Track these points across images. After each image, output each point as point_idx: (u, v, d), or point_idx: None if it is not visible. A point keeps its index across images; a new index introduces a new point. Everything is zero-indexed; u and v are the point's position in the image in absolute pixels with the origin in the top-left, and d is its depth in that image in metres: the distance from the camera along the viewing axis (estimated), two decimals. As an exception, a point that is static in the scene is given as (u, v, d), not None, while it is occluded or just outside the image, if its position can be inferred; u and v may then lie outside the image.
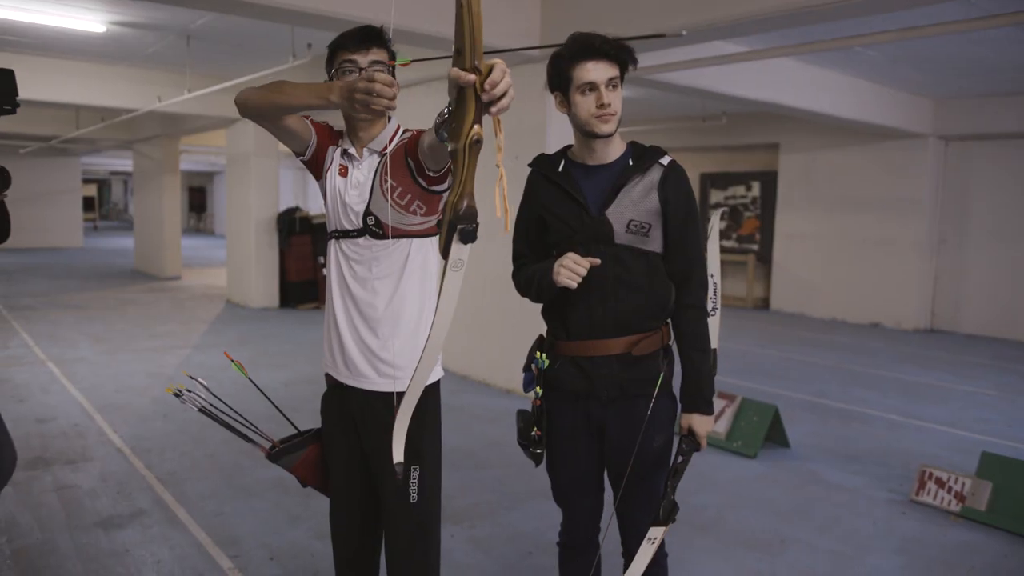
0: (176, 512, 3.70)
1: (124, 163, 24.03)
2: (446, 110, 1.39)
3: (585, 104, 2.01)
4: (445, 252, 1.32)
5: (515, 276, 2.22)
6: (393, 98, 1.72)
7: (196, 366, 6.83)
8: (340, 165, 2.00)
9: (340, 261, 2.00)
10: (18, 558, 3.18)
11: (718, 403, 5.03)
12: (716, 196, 12.46)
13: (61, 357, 7.06)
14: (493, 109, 1.27)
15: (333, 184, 2.00)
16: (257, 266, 10.63)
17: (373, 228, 1.95)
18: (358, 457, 2.09)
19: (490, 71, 1.23)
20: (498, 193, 1.31)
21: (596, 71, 1.99)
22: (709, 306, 2.23)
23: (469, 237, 1.31)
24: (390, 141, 1.98)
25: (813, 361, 7.87)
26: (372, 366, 2.00)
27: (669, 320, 2.15)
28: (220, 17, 6.55)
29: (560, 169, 2.13)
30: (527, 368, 2.21)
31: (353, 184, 1.98)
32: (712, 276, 2.33)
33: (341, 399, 2.08)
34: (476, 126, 1.26)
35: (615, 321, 2.06)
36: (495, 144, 1.27)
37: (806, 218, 11.16)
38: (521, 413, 2.20)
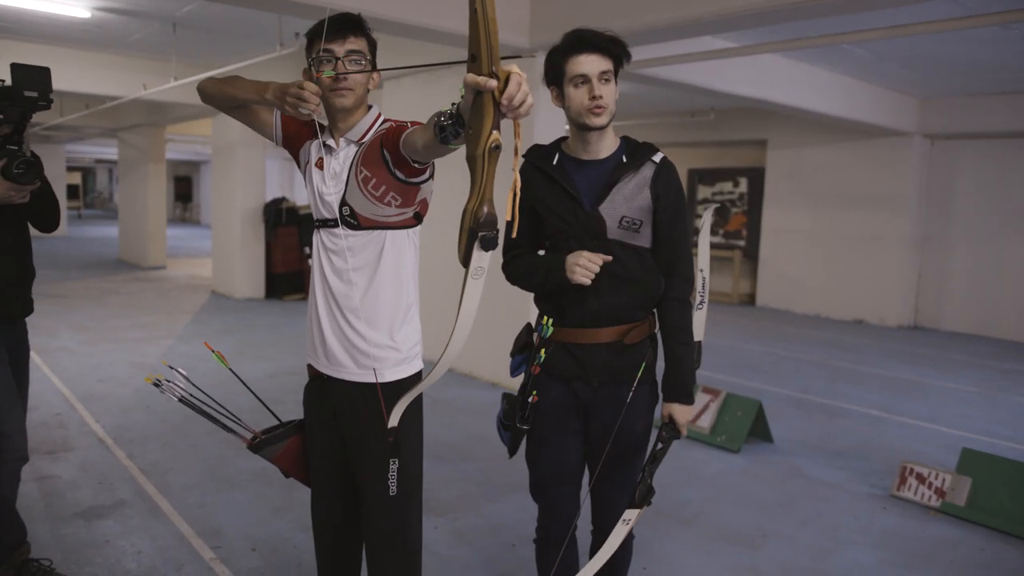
0: (158, 503, 3.67)
1: (109, 151, 23.80)
2: (449, 111, 1.41)
3: (578, 96, 2.05)
4: (466, 260, 1.30)
5: (506, 266, 2.26)
6: (316, 107, 1.87)
7: (180, 356, 6.79)
8: (318, 158, 2.01)
9: (320, 252, 2.01)
10: (-3, 548, 3.15)
11: (703, 398, 5.05)
12: (704, 192, 12.49)
13: (43, 346, 6.99)
14: (511, 115, 1.26)
15: (311, 177, 2.02)
16: (243, 256, 10.57)
17: (348, 218, 1.95)
18: (339, 448, 2.08)
19: (507, 81, 1.22)
20: (511, 199, 1.28)
21: (588, 64, 2.03)
22: (696, 300, 2.29)
23: (491, 244, 1.29)
24: (368, 130, 1.98)
25: (797, 357, 7.92)
26: (351, 357, 1.99)
27: (655, 310, 2.22)
28: (206, 5, 6.49)
29: (555, 162, 2.17)
30: (514, 353, 2.26)
31: (330, 175, 1.98)
32: (701, 271, 2.37)
33: (322, 390, 2.08)
34: (495, 132, 1.24)
35: (608, 312, 2.13)
36: (513, 147, 1.26)
37: (792, 214, 11.22)
38: (507, 396, 2.22)
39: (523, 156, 2.21)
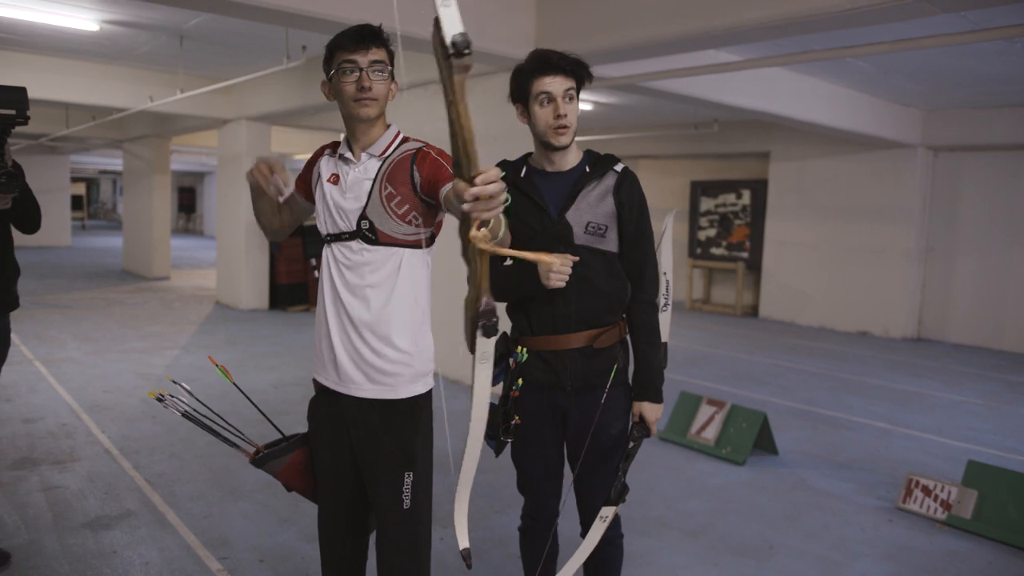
0: (165, 513, 3.68)
1: (114, 162, 23.90)
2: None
3: (543, 115, 2.16)
4: (471, 347, 1.44)
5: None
6: (271, 178, 1.92)
7: (185, 367, 6.80)
8: (332, 174, 2.04)
9: (332, 267, 2.02)
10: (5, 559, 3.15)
11: (708, 410, 5.05)
12: (706, 204, 12.48)
13: (49, 357, 7.01)
14: (478, 209, 1.30)
15: (323, 192, 2.04)
16: (247, 268, 10.59)
17: (366, 232, 1.96)
18: (347, 461, 2.09)
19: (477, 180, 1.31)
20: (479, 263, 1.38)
21: (553, 84, 2.14)
22: (661, 302, 2.36)
23: (491, 331, 1.42)
24: (389, 146, 2.02)
25: (802, 369, 7.91)
26: (364, 373, 2.00)
27: (625, 315, 2.30)
28: (214, 18, 6.53)
29: (522, 174, 2.28)
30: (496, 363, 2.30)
31: (348, 187, 2.00)
32: (665, 274, 2.46)
33: (330, 404, 2.08)
34: (482, 230, 1.32)
35: (577, 317, 2.21)
36: (481, 233, 1.32)
37: (796, 226, 11.23)
38: (491, 406, 2.21)
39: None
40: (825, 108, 8.22)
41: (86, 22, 6.87)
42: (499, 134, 6.23)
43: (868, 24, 4.39)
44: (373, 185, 1.97)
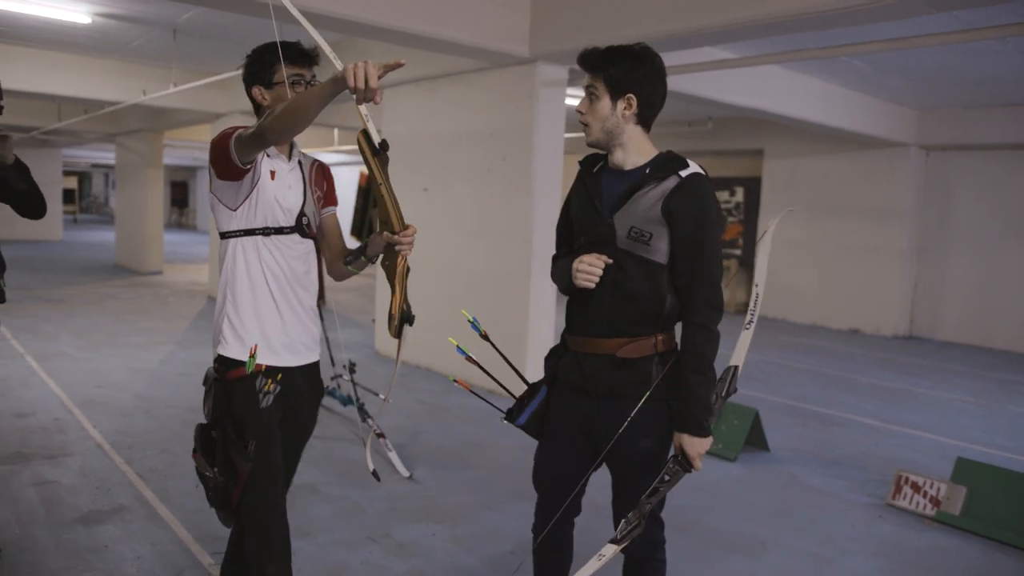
0: (157, 508, 3.68)
1: (106, 156, 23.80)
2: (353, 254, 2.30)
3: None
4: (398, 334, 2.17)
5: (551, 269, 2.33)
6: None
7: (179, 362, 6.80)
8: (270, 170, 2.19)
9: (270, 256, 2.19)
10: (-4, 553, 3.16)
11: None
12: (700, 200, 12.51)
13: (41, 351, 6.99)
14: (406, 250, 2.12)
15: (264, 187, 2.17)
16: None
17: (305, 227, 2.24)
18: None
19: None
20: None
21: (585, 80, 2.11)
22: (746, 319, 2.19)
23: (412, 321, 2.17)
24: (298, 151, 2.32)
25: (793, 366, 7.94)
26: (307, 347, 2.30)
27: (671, 329, 2.15)
28: (207, 11, 6.50)
29: (595, 170, 2.22)
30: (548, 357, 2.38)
31: (288, 185, 2.22)
32: (756, 285, 2.23)
33: (278, 382, 2.23)
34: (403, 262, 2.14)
35: (607, 323, 2.11)
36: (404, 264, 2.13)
37: (789, 224, 11.25)
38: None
39: (580, 163, 2.29)
40: (819, 106, 8.25)
41: (78, 15, 6.84)
42: (496, 130, 6.24)
43: (860, 23, 4.41)
44: (306, 186, 2.28)
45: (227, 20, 6.78)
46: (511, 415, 2.37)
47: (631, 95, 2.08)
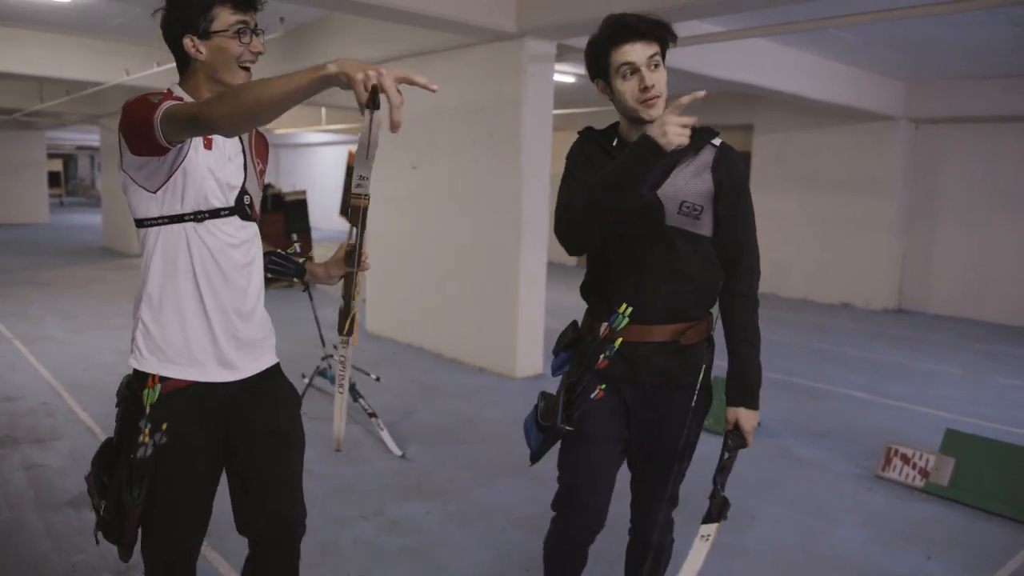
0: (148, 490, 3.67)
1: (91, 138, 23.55)
2: (279, 262, 2.17)
3: (628, 89, 1.92)
4: (349, 331, 1.89)
5: (565, 219, 2.00)
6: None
7: (167, 344, 6.76)
8: (204, 138, 1.76)
9: (202, 246, 1.78)
10: (-14, 537, 3.14)
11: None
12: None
13: (28, 335, 6.94)
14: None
15: (197, 158, 1.73)
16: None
17: (247, 208, 1.84)
18: (217, 458, 1.93)
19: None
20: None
21: (634, 52, 1.89)
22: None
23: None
24: None
25: (783, 340, 7.97)
26: (252, 356, 1.91)
27: (714, 305, 2.08)
28: (189, -12, 6.42)
29: (615, 143, 2.03)
30: (557, 350, 2.13)
31: (227, 156, 1.80)
32: None
33: (202, 400, 1.83)
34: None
35: (664, 307, 1.98)
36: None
37: (778, 198, 11.25)
38: (545, 395, 2.09)
39: (580, 133, 2.11)
40: (808, 80, 8.21)
41: (58, -7, 6.72)
42: (484, 106, 6.19)
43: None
44: (246, 157, 1.86)
45: (209, -3, 6.68)
46: (538, 448, 2.09)
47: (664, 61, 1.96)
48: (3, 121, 16.54)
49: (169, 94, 1.70)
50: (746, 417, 2.03)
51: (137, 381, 1.82)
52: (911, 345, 8.06)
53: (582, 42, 6.15)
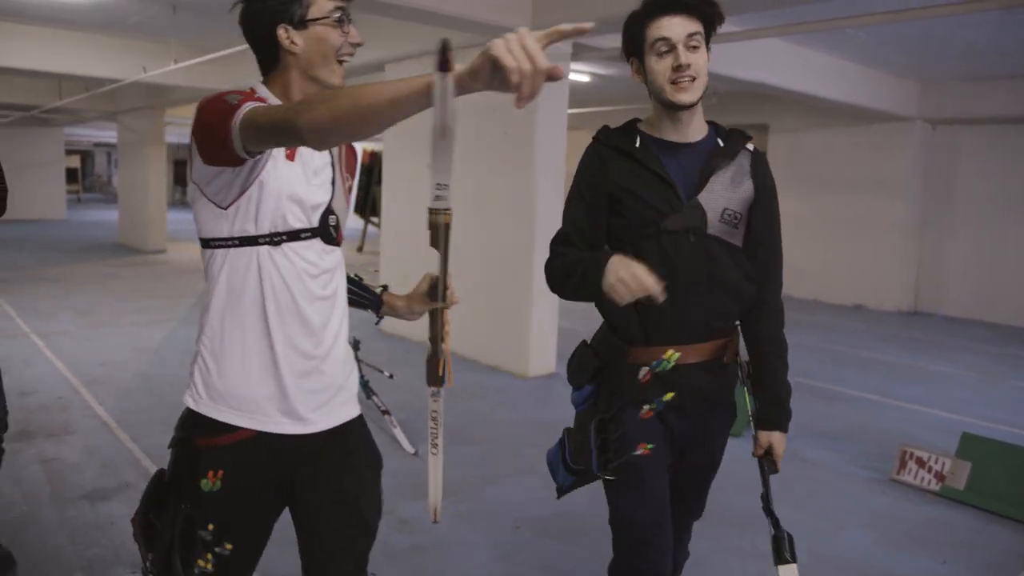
0: (162, 485, 3.70)
1: (108, 134, 23.73)
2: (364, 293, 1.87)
3: (661, 68, 1.73)
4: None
5: (550, 264, 1.88)
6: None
7: (182, 341, 6.80)
8: (287, 149, 1.52)
9: (275, 274, 1.52)
10: (3, 529, 3.18)
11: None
12: (704, 176, 12.46)
13: (44, 330, 7.01)
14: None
15: (277, 170, 1.49)
16: (243, 241, 10.54)
17: (332, 229, 1.58)
18: (278, 510, 1.73)
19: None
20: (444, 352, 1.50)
21: (672, 26, 1.70)
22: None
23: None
24: None
25: (796, 342, 7.85)
26: (325, 409, 1.63)
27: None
28: (206, -13, 6.46)
29: (637, 144, 1.83)
30: (579, 383, 1.93)
31: (312, 170, 1.56)
32: None
33: (265, 450, 1.58)
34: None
35: (706, 323, 1.83)
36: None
37: (792, 199, 11.17)
38: (570, 432, 1.93)
39: (595, 138, 1.91)
40: (822, 80, 8.17)
41: (76, -9, 6.78)
42: (498, 106, 6.18)
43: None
44: (334, 171, 1.62)
45: (226, -5, 6.72)
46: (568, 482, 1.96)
47: (708, 45, 1.78)
48: (22, 118, 16.70)
49: (252, 94, 1.47)
50: (779, 441, 1.94)
51: (192, 422, 1.58)
52: (924, 347, 8.01)
53: (596, 41, 6.19)
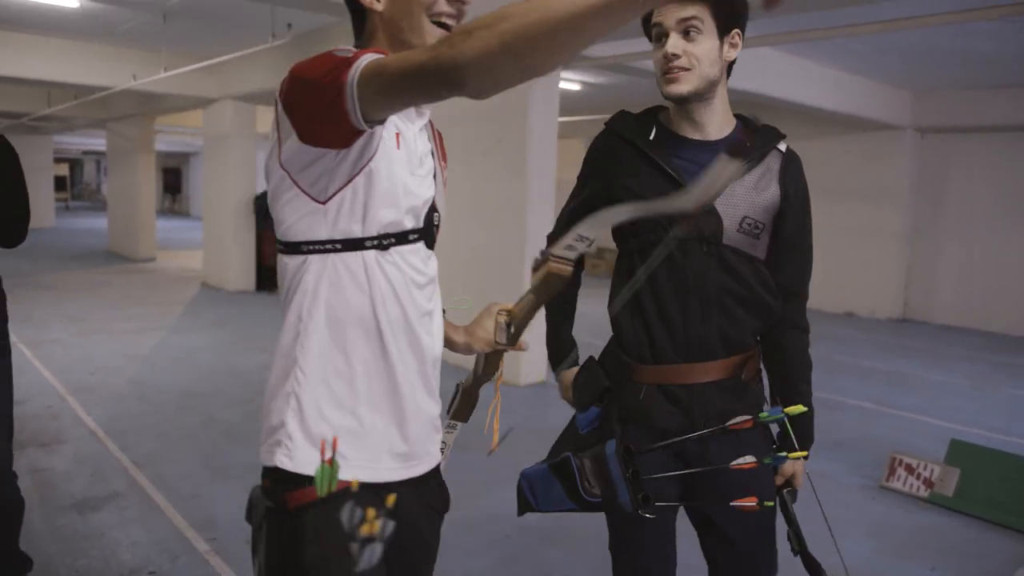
0: (152, 495, 3.67)
1: (97, 142, 23.65)
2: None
3: (656, 57, 1.58)
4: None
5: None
6: None
7: (173, 348, 6.77)
8: (395, 132, 1.21)
9: (386, 285, 1.22)
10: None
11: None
12: (695, 184, 12.50)
13: (34, 339, 6.96)
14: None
15: (388, 160, 1.18)
16: (234, 249, 10.52)
17: (435, 230, 1.32)
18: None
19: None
20: (491, 411, 1.48)
21: (665, 12, 1.53)
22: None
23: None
24: None
25: (788, 349, 7.95)
26: (432, 442, 1.40)
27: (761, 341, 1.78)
28: (198, -5, 6.45)
29: (651, 136, 1.65)
30: (584, 405, 1.79)
31: (417, 160, 1.26)
32: None
33: (420, 494, 1.37)
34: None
35: (720, 339, 1.64)
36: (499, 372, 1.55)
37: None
38: (581, 459, 1.75)
39: (607, 124, 1.74)
40: (814, 89, 8.23)
41: (66, -1, 6.77)
42: (491, 114, 6.20)
43: (858, 4, 4.38)
44: (435, 159, 1.34)
45: (218, 3, 6.72)
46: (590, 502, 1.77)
47: (737, 30, 1.59)
48: (11, 125, 16.62)
49: (364, 50, 1.11)
50: (801, 471, 1.81)
51: (280, 485, 1.24)
52: (917, 355, 8.04)
53: (587, 50, 6.18)
